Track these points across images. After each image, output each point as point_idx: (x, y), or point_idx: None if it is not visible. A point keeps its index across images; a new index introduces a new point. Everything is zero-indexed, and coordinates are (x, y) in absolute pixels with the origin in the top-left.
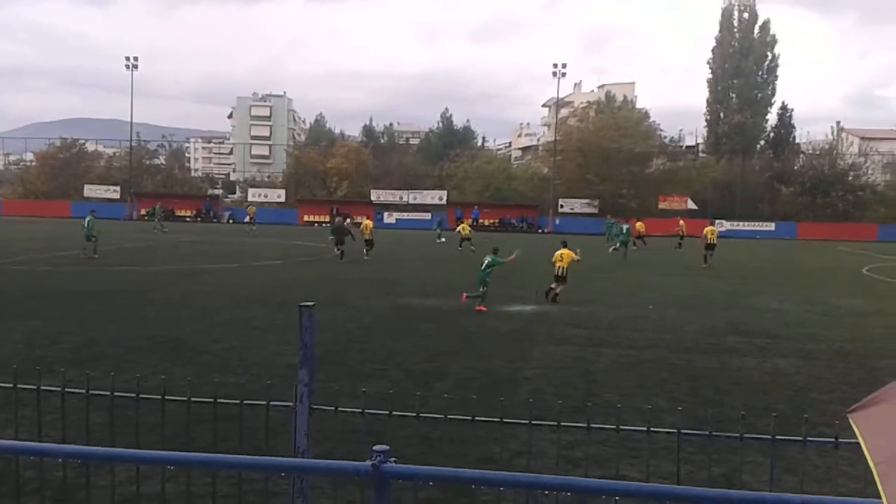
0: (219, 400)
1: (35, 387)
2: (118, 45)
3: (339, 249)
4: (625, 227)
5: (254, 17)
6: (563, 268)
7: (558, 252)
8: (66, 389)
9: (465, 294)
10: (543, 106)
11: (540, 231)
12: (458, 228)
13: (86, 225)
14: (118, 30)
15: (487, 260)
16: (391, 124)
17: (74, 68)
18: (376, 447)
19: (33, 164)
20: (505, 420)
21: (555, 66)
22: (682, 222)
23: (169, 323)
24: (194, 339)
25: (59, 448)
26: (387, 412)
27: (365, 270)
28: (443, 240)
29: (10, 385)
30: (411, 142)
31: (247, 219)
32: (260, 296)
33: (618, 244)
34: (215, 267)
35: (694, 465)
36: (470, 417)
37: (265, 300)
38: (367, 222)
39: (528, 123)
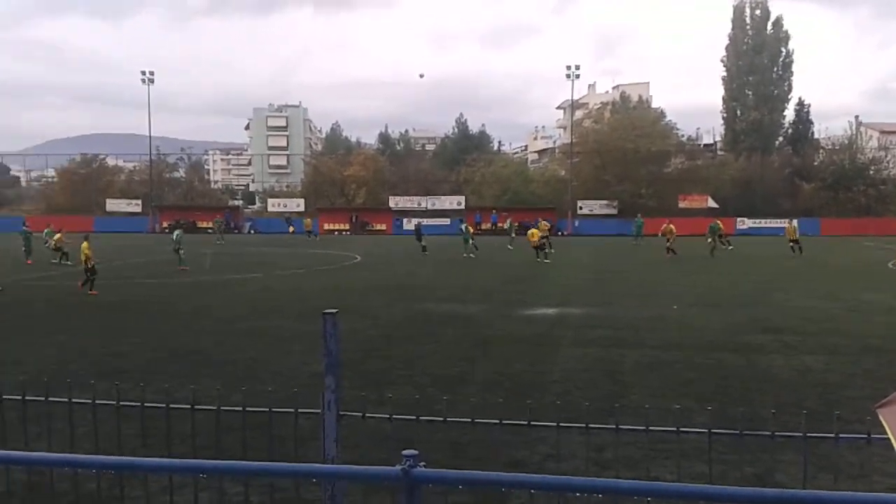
0: (247, 409)
1: (66, 399)
2: (132, 59)
3: (423, 246)
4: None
5: (266, 29)
6: None
7: None
8: (97, 401)
9: None
10: (558, 108)
11: (559, 233)
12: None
13: (174, 238)
14: (132, 44)
15: None
16: (407, 131)
17: (89, 84)
18: (405, 452)
19: (55, 179)
20: (533, 423)
21: (568, 68)
22: (671, 226)
23: (193, 334)
24: (218, 350)
25: (92, 459)
26: (414, 417)
27: (383, 277)
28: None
29: (42, 398)
30: (427, 148)
31: (292, 229)
32: (282, 305)
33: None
34: (237, 277)
35: (725, 465)
36: (497, 421)
37: (287, 309)
38: (544, 224)
39: (543, 126)
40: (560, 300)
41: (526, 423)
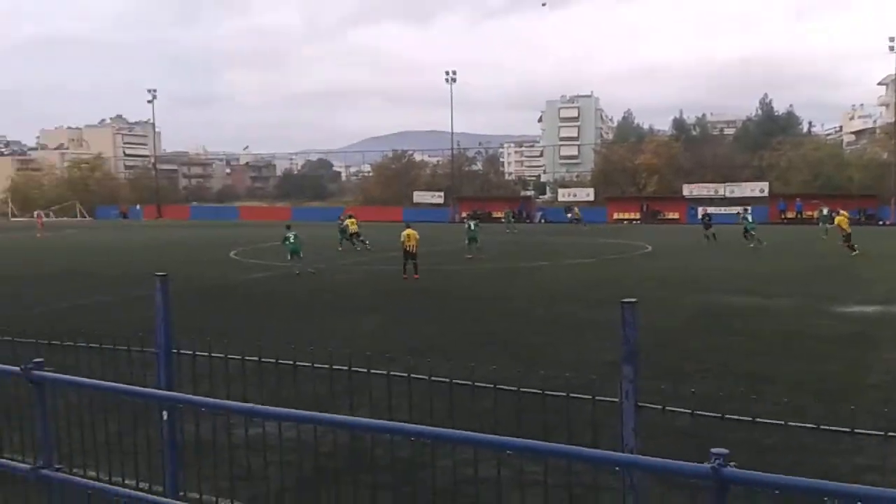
0: (546, 392)
1: (385, 372)
2: (436, 60)
3: (713, 234)
4: None
5: (560, 21)
6: None
7: None
8: (412, 375)
9: None
10: (879, 84)
11: (881, 223)
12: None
13: (472, 227)
14: (437, 45)
15: None
16: (703, 115)
17: (399, 85)
18: (714, 450)
19: (370, 174)
20: (856, 430)
21: (891, 39)
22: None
23: (491, 319)
24: (515, 334)
25: (408, 427)
26: (719, 415)
27: (674, 267)
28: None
29: (364, 370)
30: (726, 132)
31: (570, 216)
32: (573, 293)
33: None
34: (529, 265)
35: None
36: (815, 426)
37: (578, 297)
38: (843, 215)
39: (861, 105)
40: (881, 297)
41: (848, 430)
